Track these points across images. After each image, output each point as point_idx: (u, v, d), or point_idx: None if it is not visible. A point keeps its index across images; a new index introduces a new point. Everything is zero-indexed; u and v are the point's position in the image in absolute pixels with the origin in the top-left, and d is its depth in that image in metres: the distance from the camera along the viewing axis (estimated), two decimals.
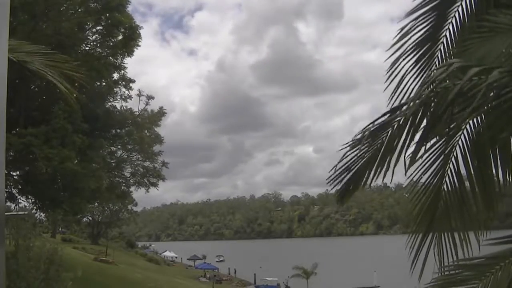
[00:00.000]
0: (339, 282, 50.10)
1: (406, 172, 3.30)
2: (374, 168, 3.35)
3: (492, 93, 2.70)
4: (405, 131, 3.11)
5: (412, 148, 3.20)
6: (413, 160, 3.25)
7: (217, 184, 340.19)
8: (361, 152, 3.31)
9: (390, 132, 3.19)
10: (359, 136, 3.18)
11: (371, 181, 3.43)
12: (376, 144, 3.28)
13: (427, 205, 3.75)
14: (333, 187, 3.48)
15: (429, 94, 2.85)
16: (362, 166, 3.37)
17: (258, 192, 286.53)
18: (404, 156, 3.19)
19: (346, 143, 3.28)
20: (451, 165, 3.60)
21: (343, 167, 3.38)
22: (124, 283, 27.74)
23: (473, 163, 3.54)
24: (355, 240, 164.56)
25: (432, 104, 2.93)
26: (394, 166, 3.25)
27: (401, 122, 3.09)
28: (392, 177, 3.33)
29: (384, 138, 3.24)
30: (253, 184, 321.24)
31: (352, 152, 3.30)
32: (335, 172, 3.38)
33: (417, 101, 2.89)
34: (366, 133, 3.13)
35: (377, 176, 3.37)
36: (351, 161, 3.35)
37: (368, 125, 3.12)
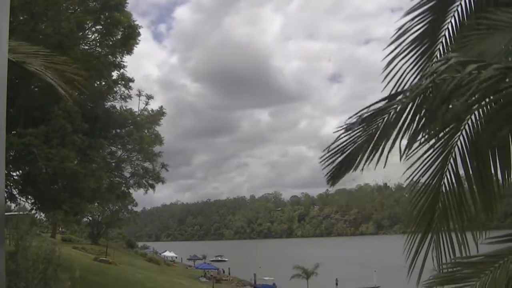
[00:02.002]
0: (339, 282, 50.09)
1: (401, 158, 3.22)
2: (368, 152, 3.27)
3: (489, 88, 2.68)
4: (402, 119, 3.04)
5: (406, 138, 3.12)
6: (409, 147, 3.17)
7: (204, 186, 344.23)
8: (355, 136, 3.23)
9: (386, 118, 3.12)
10: (354, 120, 3.10)
11: (364, 165, 3.33)
12: (371, 129, 3.21)
13: (426, 206, 3.71)
14: (325, 167, 3.37)
15: (428, 84, 2.81)
16: (355, 149, 3.29)
17: (239, 193, 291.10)
18: (400, 144, 3.11)
19: (340, 126, 3.18)
20: (449, 166, 3.56)
21: (336, 149, 3.29)
22: (124, 283, 27.72)
23: (472, 163, 3.51)
24: (355, 240, 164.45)
25: (430, 95, 2.88)
26: (389, 151, 3.16)
27: (398, 109, 3.02)
28: (385, 163, 3.23)
29: (380, 124, 3.17)
30: (238, 185, 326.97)
31: (346, 135, 3.21)
32: (328, 152, 3.29)
33: (416, 90, 2.84)
34: (361, 116, 3.05)
35: (370, 161, 3.28)
36: (345, 143, 3.27)
37: (363, 109, 3.04)
